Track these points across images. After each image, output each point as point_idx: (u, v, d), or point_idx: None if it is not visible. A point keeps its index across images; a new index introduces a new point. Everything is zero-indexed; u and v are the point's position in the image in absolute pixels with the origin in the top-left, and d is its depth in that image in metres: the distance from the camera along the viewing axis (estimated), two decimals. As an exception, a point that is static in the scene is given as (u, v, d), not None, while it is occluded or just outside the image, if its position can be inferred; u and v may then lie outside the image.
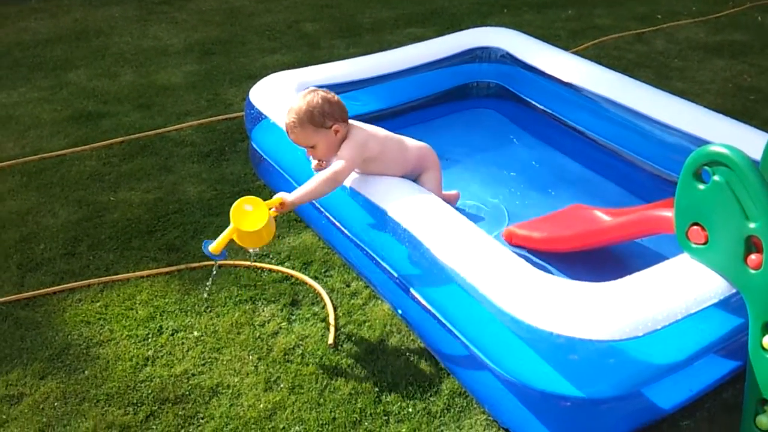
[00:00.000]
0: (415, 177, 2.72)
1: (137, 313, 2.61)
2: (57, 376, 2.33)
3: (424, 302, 2.28)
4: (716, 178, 1.93)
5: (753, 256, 1.89)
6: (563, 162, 3.46)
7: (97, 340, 2.49)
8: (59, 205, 3.26)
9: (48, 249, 2.96)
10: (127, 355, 2.41)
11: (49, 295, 2.69)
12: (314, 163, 2.62)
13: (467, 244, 2.19)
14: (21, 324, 2.56)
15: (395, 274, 2.41)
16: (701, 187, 1.98)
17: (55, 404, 2.23)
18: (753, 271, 1.90)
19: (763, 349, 1.92)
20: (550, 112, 3.61)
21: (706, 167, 1.96)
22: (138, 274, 2.80)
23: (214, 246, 2.23)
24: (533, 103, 3.71)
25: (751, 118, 3.76)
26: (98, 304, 2.66)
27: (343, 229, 2.67)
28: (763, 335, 1.92)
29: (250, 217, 2.22)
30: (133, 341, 2.48)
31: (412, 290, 2.33)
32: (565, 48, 4.18)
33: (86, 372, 2.35)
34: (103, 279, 2.77)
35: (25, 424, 2.16)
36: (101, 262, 2.88)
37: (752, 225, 1.87)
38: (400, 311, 2.50)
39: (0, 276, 2.81)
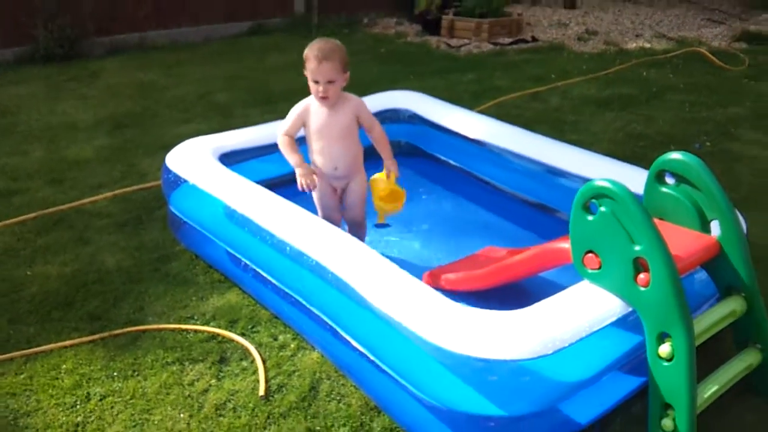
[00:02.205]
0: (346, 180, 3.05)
1: (63, 381, 2.57)
2: (-20, 452, 2.27)
3: (353, 342, 2.37)
4: (602, 209, 2.16)
5: (641, 276, 2.11)
6: (473, 210, 3.69)
7: (24, 410, 2.43)
8: (-28, 282, 3.19)
9: (-37, 326, 2.88)
10: (56, 423, 2.37)
11: (-33, 373, 2.62)
12: (304, 172, 2.87)
13: (391, 283, 2.31)
14: (-62, 402, 2.47)
15: (324, 318, 2.49)
16: (590, 218, 2.20)
17: (-21, 481, 2.16)
18: (643, 289, 2.11)
19: (660, 358, 2.12)
20: (456, 165, 3.86)
21: (593, 200, 2.19)
22: (61, 344, 2.76)
23: (378, 221, 3.08)
24: (441, 157, 3.95)
25: (641, 161, 4.13)
26: (22, 376, 2.60)
27: (269, 278, 2.75)
28: (659, 345, 2.12)
29: (386, 190, 2.99)
30: (61, 409, 2.44)
31: (340, 331, 2.42)
32: (469, 108, 4.49)
33: (12, 445, 2.29)
34: (26, 351, 2.72)
35: (-54, 506, 2.08)
36: (22, 336, 2.83)
37: (637, 248, 2.09)
38: None
39: None
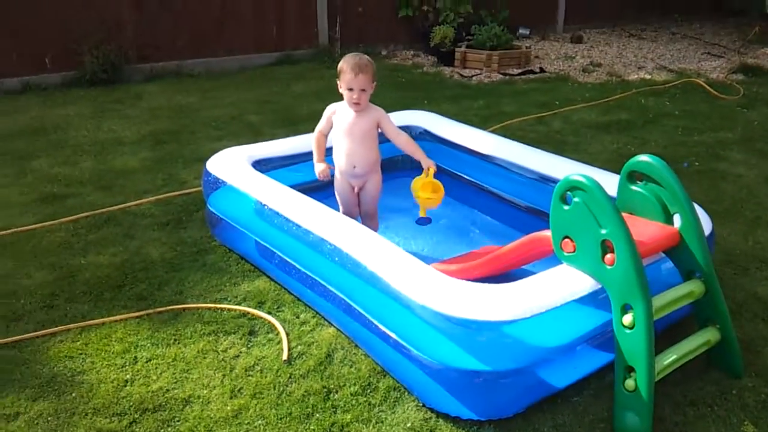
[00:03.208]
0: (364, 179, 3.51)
1: (114, 347, 3.00)
2: (48, 398, 2.69)
3: (363, 313, 2.79)
4: (576, 199, 2.56)
5: (608, 256, 2.50)
6: (476, 216, 4.10)
7: (80, 369, 2.86)
8: (34, 268, 3.65)
9: (28, 303, 3.33)
10: (108, 379, 2.80)
11: (33, 339, 3.06)
12: (320, 167, 3.41)
13: (396, 262, 2.73)
14: (10, 361, 2.91)
15: (339, 294, 2.91)
16: (566, 207, 2.61)
17: (49, 419, 2.58)
18: (609, 268, 2.50)
19: (624, 326, 2.49)
20: (463, 176, 4.29)
21: (568, 192, 2.60)
22: (112, 318, 3.20)
23: (420, 215, 3.46)
24: (449, 169, 4.38)
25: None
26: (78, 343, 3.04)
27: (294, 264, 3.18)
28: (623, 316, 2.50)
29: (427, 189, 3.37)
30: (112, 369, 2.86)
31: (351, 303, 2.84)
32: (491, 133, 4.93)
33: (73, 393, 2.71)
34: (81, 323, 3.16)
35: (23, 436, 2.50)
36: (77, 312, 3.27)
37: (604, 231, 2.49)
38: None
39: (-14, 326, 3.16)
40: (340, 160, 3.46)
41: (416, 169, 3.50)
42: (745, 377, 2.79)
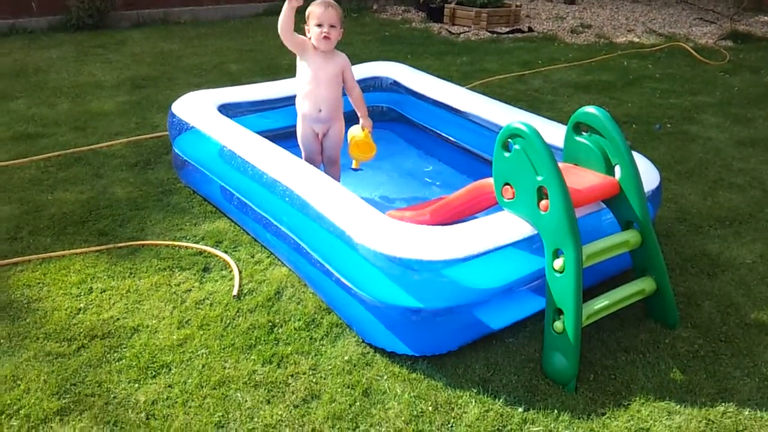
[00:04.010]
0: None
1: (71, 278, 3.09)
2: (2, 323, 2.79)
3: (312, 253, 2.87)
4: (516, 147, 2.62)
5: (543, 202, 2.57)
6: (438, 167, 4.17)
7: (36, 297, 2.96)
8: (2, 202, 3.73)
9: (-8, 234, 3.43)
10: (63, 307, 2.90)
11: (-7, 268, 3.16)
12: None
13: (344, 205, 2.81)
14: (-31, 288, 3.01)
15: (290, 234, 3.00)
16: (507, 155, 2.67)
17: (1, 341, 2.68)
18: (543, 213, 2.58)
19: (554, 270, 2.57)
20: (428, 127, 4.34)
21: (509, 140, 2.66)
22: (72, 251, 3.30)
23: (353, 167, 3.68)
24: (416, 121, 4.43)
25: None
26: (37, 273, 3.13)
27: (250, 204, 3.26)
28: (554, 260, 2.58)
29: (359, 139, 3.54)
30: (67, 298, 2.96)
31: (300, 243, 2.92)
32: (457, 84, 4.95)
33: (28, 319, 2.82)
34: (42, 255, 3.26)
35: (-26, 356, 2.61)
36: (40, 244, 3.36)
37: (539, 178, 2.55)
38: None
39: (-51, 254, 3.25)
40: (304, 105, 3.49)
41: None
42: (681, 328, 2.88)
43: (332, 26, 3.34)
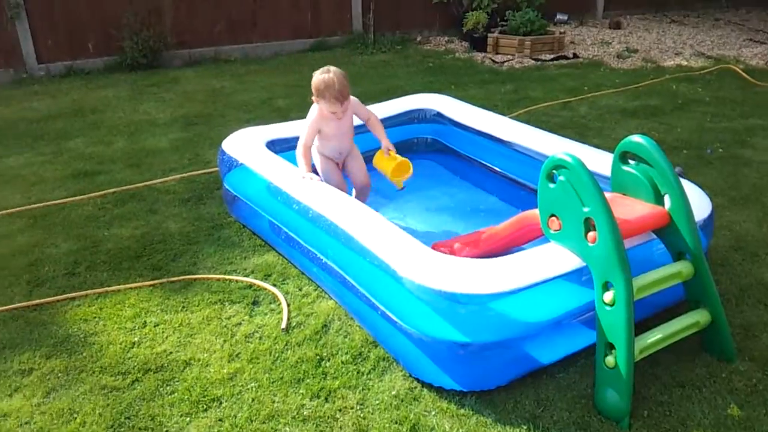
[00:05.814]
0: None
1: (125, 312, 3.19)
2: (60, 357, 2.89)
3: (358, 287, 2.89)
4: (561, 178, 2.61)
5: (590, 234, 2.55)
6: (483, 197, 4.16)
7: (92, 331, 3.06)
8: (61, 239, 3.88)
9: (52, 270, 3.56)
10: (118, 341, 2.98)
11: (53, 303, 3.27)
12: (311, 176, 3.46)
13: (389, 238, 2.83)
14: (30, 322, 3.13)
15: (336, 268, 3.03)
16: (552, 186, 2.65)
17: (59, 375, 2.77)
18: (591, 245, 2.55)
19: (605, 303, 2.53)
20: (473, 158, 4.34)
21: (554, 171, 2.64)
22: (127, 286, 3.40)
23: (399, 187, 3.74)
24: (460, 152, 4.44)
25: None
26: (94, 307, 3.24)
27: (295, 237, 3.31)
28: (604, 293, 2.54)
29: (394, 165, 3.62)
30: (122, 332, 3.05)
31: (346, 276, 2.95)
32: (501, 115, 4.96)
33: (84, 353, 2.91)
34: (98, 290, 3.36)
35: (35, 389, 2.70)
36: (96, 279, 3.48)
37: (586, 209, 2.53)
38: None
39: (13, 290, 3.39)
40: (326, 150, 3.69)
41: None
42: (739, 361, 2.79)
43: (346, 103, 3.49)
